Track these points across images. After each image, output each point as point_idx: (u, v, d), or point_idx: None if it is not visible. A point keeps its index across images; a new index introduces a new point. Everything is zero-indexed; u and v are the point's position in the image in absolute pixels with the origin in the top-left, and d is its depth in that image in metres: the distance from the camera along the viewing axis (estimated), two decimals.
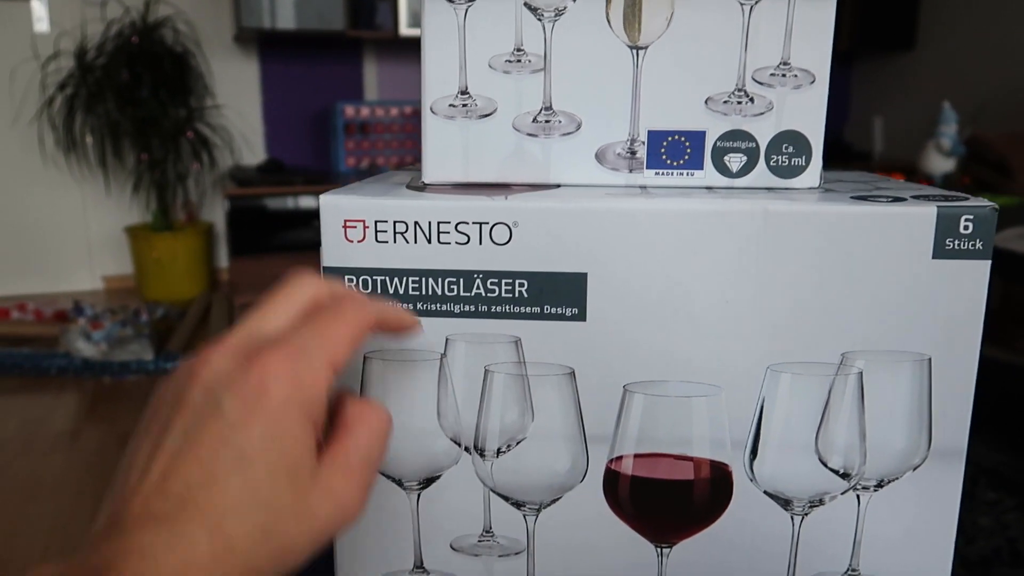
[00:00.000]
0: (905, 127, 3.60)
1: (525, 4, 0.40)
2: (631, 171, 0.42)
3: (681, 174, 0.42)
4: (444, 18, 0.41)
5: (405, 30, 3.15)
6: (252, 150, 3.25)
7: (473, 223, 0.38)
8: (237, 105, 3.17)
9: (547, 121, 0.42)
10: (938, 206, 0.36)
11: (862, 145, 3.76)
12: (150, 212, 3.00)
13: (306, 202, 2.96)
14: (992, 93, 3.16)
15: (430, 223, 0.38)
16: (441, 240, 0.38)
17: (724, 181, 0.42)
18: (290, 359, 0.27)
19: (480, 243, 0.38)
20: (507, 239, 0.38)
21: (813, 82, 0.41)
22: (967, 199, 0.37)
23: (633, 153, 0.42)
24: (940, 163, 1.96)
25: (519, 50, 0.41)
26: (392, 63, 3.42)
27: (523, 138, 0.42)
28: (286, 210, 2.96)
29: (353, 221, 0.38)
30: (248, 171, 3.09)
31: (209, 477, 0.25)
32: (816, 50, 0.41)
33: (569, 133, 0.42)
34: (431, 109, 0.42)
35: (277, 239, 2.95)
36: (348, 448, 0.29)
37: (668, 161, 0.42)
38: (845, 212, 0.37)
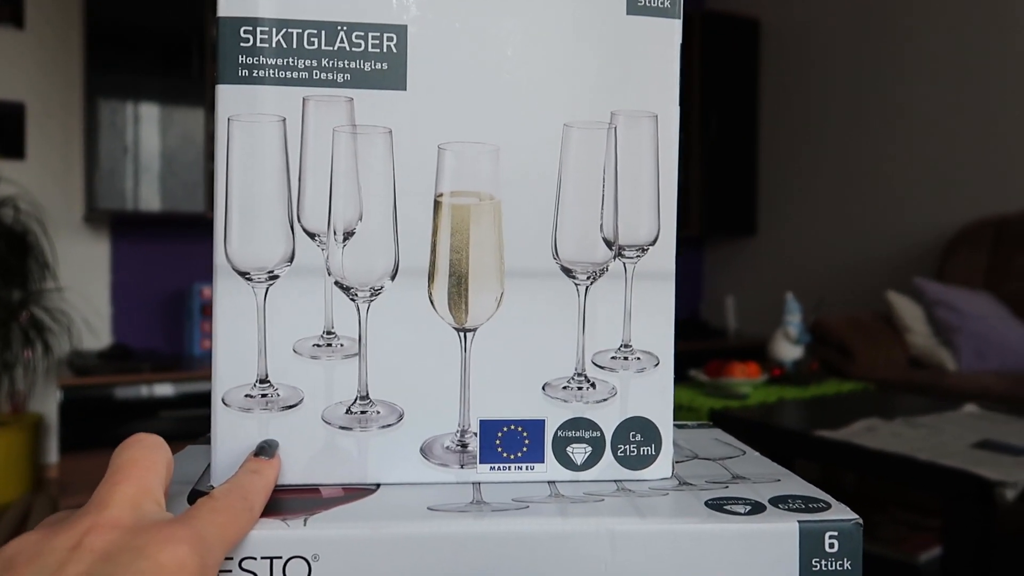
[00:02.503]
0: (755, 305, 3.83)
1: (336, 283, 0.36)
2: (463, 466, 0.37)
3: (520, 468, 0.37)
4: (240, 298, 0.35)
5: None
6: (96, 334, 3.02)
7: (262, 558, 0.31)
8: (81, 287, 2.97)
9: (363, 412, 0.36)
10: (799, 521, 0.32)
11: (717, 322, 3.96)
12: None
13: (154, 390, 2.75)
14: (830, 277, 3.44)
15: None
16: None
17: (568, 475, 0.37)
18: (195, 548, 0.26)
19: None
20: None
21: (657, 364, 0.38)
22: (828, 506, 0.34)
23: (464, 446, 0.37)
24: (789, 350, 2.05)
25: (329, 333, 0.36)
26: None
27: (335, 432, 0.36)
28: (130, 399, 2.72)
29: None
30: (88, 357, 2.85)
31: None
32: (658, 331, 0.38)
33: (389, 425, 0.36)
34: (223, 401, 0.35)
35: (118, 431, 2.68)
36: None
37: (504, 454, 0.37)
38: (702, 532, 0.32)
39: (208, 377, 2.58)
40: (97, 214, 2.89)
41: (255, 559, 0.30)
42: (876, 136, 3.34)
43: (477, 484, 0.36)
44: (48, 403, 2.92)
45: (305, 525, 0.31)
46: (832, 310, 2.88)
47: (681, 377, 1.97)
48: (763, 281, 3.83)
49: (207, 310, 3.06)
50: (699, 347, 3.46)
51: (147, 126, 2.92)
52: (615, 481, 0.37)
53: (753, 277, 3.93)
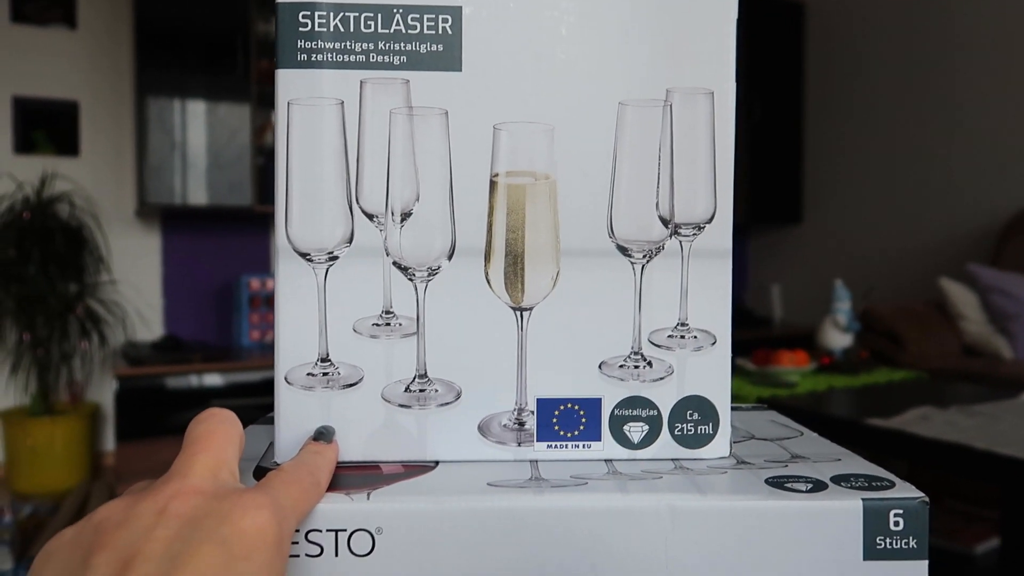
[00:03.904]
0: (801, 294, 3.77)
1: (394, 263, 0.36)
2: (520, 444, 0.37)
3: (577, 446, 0.37)
4: (300, 278, 0.36)
5: None
6: (148, 326, 3.10)
7: (327, 531, 0.31)
8: (134, 280, 3.05)
9: (422, 390, 0.37)
10: (863, 499, 0.32)
11: (763, 311, 3.91)
12: (28, 395, 2.78)
13: (204, 380, 2.81)
14: (878, 265, 3.37)
15: None
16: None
17: (625, 453, 0.37)
18: (275, 514, 0.26)
19: (336, 554, 0.31)
20: (369, 549, 0.31)
21: (714, 343, 0.38)
22: (892, 485, 0.33)
23: (521, 424, 0.37)
24: (838, 338, 2.01)
25: (388, 312, 0.36)
26: None
27: (394, 410, 0.36)
28: (182, 389, 2.79)
29: None
30: (142, 348, 2.93)
31: None
32: (715, 309, 0.38)
33: (447, 403, 0.37)
34: (286, 379, 0.36)
35: (171, 421, 2.75)
36: None
37: (561, 432, 0.37)
38: (763, 509, 0.32)
39: (255, 367, 2.62)
40: (148, 208, 2.96)
41: (320, 531, 0.31)
42: (926, 119, 3.25)
43: (535, 462, 0.37)
44: (104, 393, 3.01)
45: (368, 499, 0.32)
46: (882, 298, 2.82)
47: None
48: (809, 270, 3.77)
49: (255, 302, 3.12)
50: (744, 336, 3.42)
51: (194, 122, 2.98)
52: (672, 460, 0.37)
53: (798, 266, 3.86)
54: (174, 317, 3.18)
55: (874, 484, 0.33)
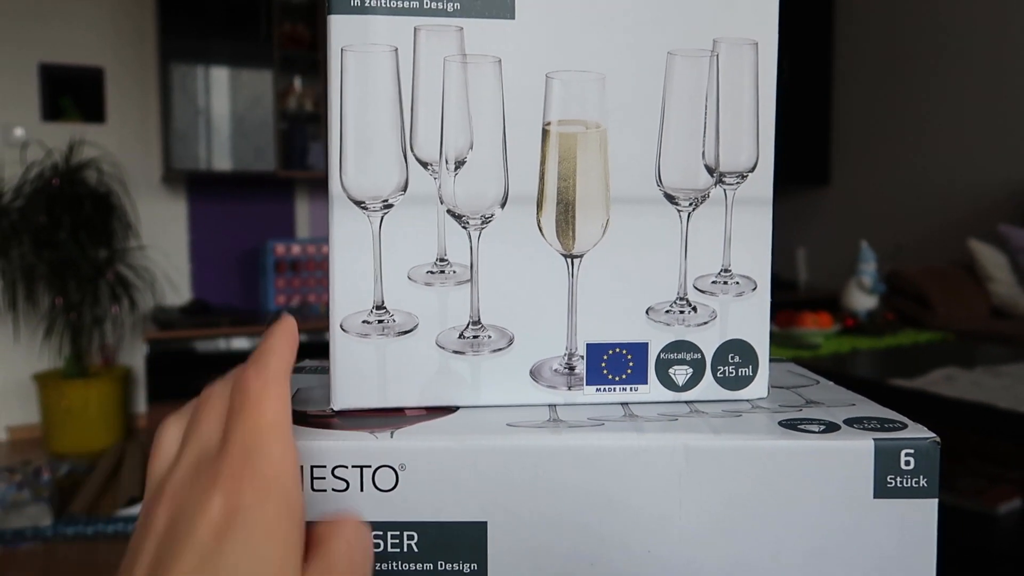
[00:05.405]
0: (827, 257, 3.75)
1: (448, 211, 0.37)
2: (570, 388, 0.38)
3: (624, 389, 0.38)
4: (356, 226, 0.37)
5: None
6: (177, 290, 3.15)
7: (353, 467, 0.32)
8: (162, 245, 3.09)
9: (475, 337, 0.38)
10: (875, 439, 0.33)
11: (787, 275, 3.89)
12: (62, 358, 2.84)
13: (232, 343, 2.86)
14: (906, 227, 3.33)
15: (300, 468, 0.32)
16: (315, 487, 0.33)
17: (670, 395, 0.38)
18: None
19: (362, 489, 0.32)
20: (393, 484, 0.32)
21: (755, 289, 0.39)
22: (904, 426, 0.34)
23: (571, 369, 0.38)
24: (863, 300, 2.01)
25: (442, 260, 0.37)
26: (324, 201, 3.42)
27: (448, 356, 0.38)
28: (211, 352, 2.84)
29: None
30: (171, 312, 2.98)
31: None
32: (755, 256, 0.39)
33: (500, 349, 0.38)
34: (341, 327, 0.37)
35: (201, 382, 2.79)
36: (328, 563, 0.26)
37: (610, 376, 0.38)
38: (776, 448, 0.33)
39: None
40: (174, 174, 2.99)
41: (346, 467, 0.32)
42: (958, 76, 3.19)
43: (553, 406, 0.38)
44: (136, 356, 3.07)
45: (392, 437, 0.33)
46: (909, 260, 2.80)
47: None
48: (835, 233, 3.73)
49: (280, 266, 3.15)
50: None
51: (218, 88, 2.98)
52: (715, 401, 0.38)
53: (825, 229, 3.83)
54: (201, 282, 3.22)
55: (886, 426, 0.34)
